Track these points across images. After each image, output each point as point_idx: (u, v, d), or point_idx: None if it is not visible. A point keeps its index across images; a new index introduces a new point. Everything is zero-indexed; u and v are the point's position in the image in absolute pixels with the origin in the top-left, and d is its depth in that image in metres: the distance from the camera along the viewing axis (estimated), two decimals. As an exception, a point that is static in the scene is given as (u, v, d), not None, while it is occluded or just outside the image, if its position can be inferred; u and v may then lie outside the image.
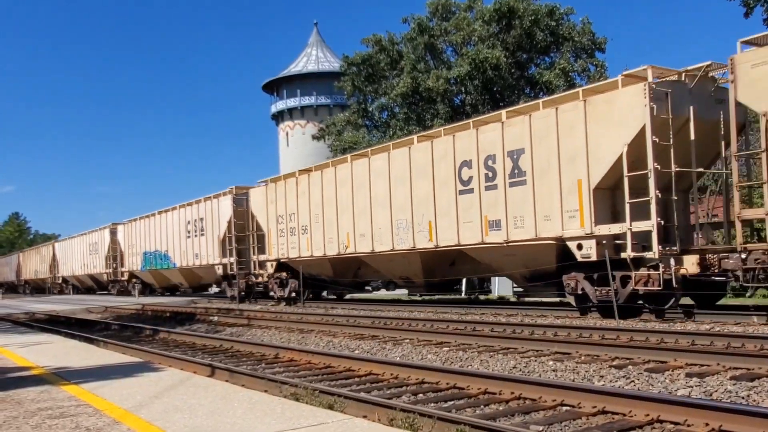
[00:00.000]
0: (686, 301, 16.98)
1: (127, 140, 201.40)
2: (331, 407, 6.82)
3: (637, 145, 15.64)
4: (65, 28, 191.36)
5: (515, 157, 18.36)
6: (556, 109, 17.51)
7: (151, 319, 26.86)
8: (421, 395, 8.60)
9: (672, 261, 15.40)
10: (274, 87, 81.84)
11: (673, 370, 9.40)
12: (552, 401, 7.55)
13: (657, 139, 15.30)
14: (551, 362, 10.89)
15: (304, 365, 11.58)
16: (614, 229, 16.33)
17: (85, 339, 16.82)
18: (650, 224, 15.54)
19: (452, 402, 8.08)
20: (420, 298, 27.94)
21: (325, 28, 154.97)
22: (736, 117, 14.99)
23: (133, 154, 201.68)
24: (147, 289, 42.25)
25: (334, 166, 25.76)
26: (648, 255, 15.78)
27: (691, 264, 15.55)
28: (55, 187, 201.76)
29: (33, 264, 71.18)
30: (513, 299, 26.08)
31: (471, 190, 19.75)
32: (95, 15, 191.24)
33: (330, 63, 77.43)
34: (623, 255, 15.98)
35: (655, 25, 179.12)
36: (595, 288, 16.80)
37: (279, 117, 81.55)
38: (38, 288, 69.94)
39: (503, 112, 19.55)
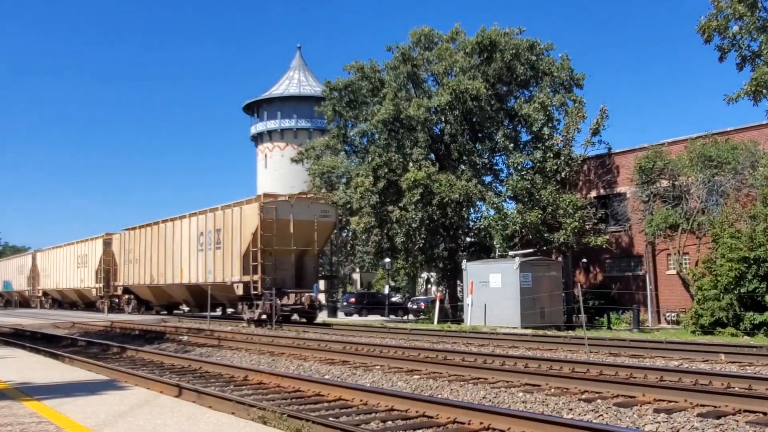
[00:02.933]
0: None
1: (105, 154, 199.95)
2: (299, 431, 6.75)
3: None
4: (42, 39, 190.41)
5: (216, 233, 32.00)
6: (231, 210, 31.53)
7: (120, 336, 26.45)
8: (389, 422, 8.55)
9: (275, 297, 28.27)
10: (255, 108, 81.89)
11: (641, 406, 9.44)
12: (520, 433, 7.54)
13: (263, 232, 29.01)
14: (521, 393, 10.88)
15: (273, 388, 11.46)
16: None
17: (50, 354, 16.52)
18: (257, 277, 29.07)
19: (420, 430, 8.04)
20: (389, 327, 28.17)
21: (308, 52, 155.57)
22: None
23: (111, 169, 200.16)
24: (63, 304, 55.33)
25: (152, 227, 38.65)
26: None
27: (287, 299, 29.21)
28: (29, 199, 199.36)
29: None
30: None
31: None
32: (74, 30, 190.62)
33: (312, 87, 77.72)
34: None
35: (635, 64, 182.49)
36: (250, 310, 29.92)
37: (258, 138, 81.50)
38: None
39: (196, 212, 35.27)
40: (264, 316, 28.54)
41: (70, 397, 8.06)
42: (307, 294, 29.55)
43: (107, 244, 44.32)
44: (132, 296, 41.61)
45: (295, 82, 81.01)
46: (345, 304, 47.84)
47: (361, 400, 9.86)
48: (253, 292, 29.03)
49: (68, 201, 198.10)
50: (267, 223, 28.99)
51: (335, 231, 33.09)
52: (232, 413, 8.08)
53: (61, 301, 53.60)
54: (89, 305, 48.28)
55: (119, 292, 42.41)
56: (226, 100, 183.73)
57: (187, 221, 34.82)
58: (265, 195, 31.20)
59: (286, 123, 78.80)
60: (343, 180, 39.46)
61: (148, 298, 40.37)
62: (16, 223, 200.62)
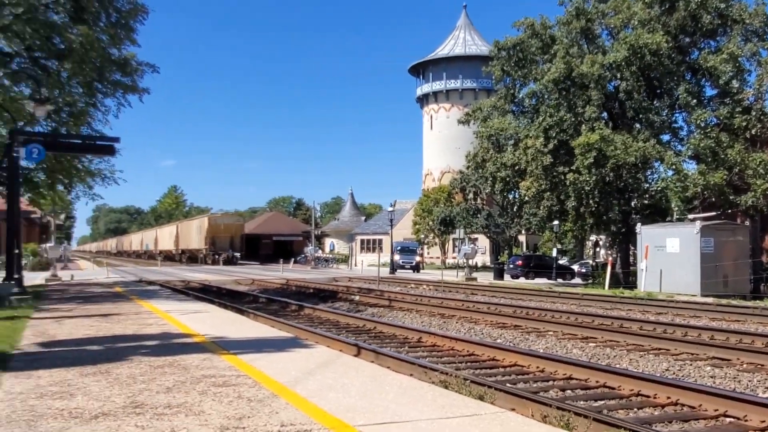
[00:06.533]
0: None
1: (278, 119, 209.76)
2: (481, 398, 6.76)
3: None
4: (233, 7, 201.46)
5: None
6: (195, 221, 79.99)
7: (295, 294, 27.88)
8: (569, 391, 8.37)
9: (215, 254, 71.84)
10: (420, 70, 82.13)
11: None
12: (714, 411, 7.12)
13: (209, 228, 72.68)
14: (708, 368, 10.29)
15: (447, 351, 11.58)
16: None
17: (236, 310, 17.68)
18: (207, 245, 72.93)
19: (603, 402, 7.81)
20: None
21: (474, 11, 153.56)
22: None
23: (282, 133, 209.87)
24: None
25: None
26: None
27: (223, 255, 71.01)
28: (210, 163, 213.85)
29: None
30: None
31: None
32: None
33: (477, 46, 76.63)
34: None
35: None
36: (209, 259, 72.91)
37: (424, 100, 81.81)
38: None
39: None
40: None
41: (261, 353, 8.57)
42: (225, 254, 69.80)
43: (173, 228, 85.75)
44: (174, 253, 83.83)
45: (461, 42, 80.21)
46: (512, 266, 47.37)
47: (537, 367, 9.74)
48: (207, 252, 70.65)
49: (245, 164, 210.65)
50: (211, 225, 70.79)
51: (243, 228, 77.69)
52: (411, 375, 8.24)
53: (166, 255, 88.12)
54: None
55: (168, 249, 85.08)
56: (392, 62, 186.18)
57: (196, 221, 78.10)
58: (211, 215, 79.80)
59: (452, 84, 78.43)
60: (511, 142, 38.74)
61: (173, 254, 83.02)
62: (199, 186, 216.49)
